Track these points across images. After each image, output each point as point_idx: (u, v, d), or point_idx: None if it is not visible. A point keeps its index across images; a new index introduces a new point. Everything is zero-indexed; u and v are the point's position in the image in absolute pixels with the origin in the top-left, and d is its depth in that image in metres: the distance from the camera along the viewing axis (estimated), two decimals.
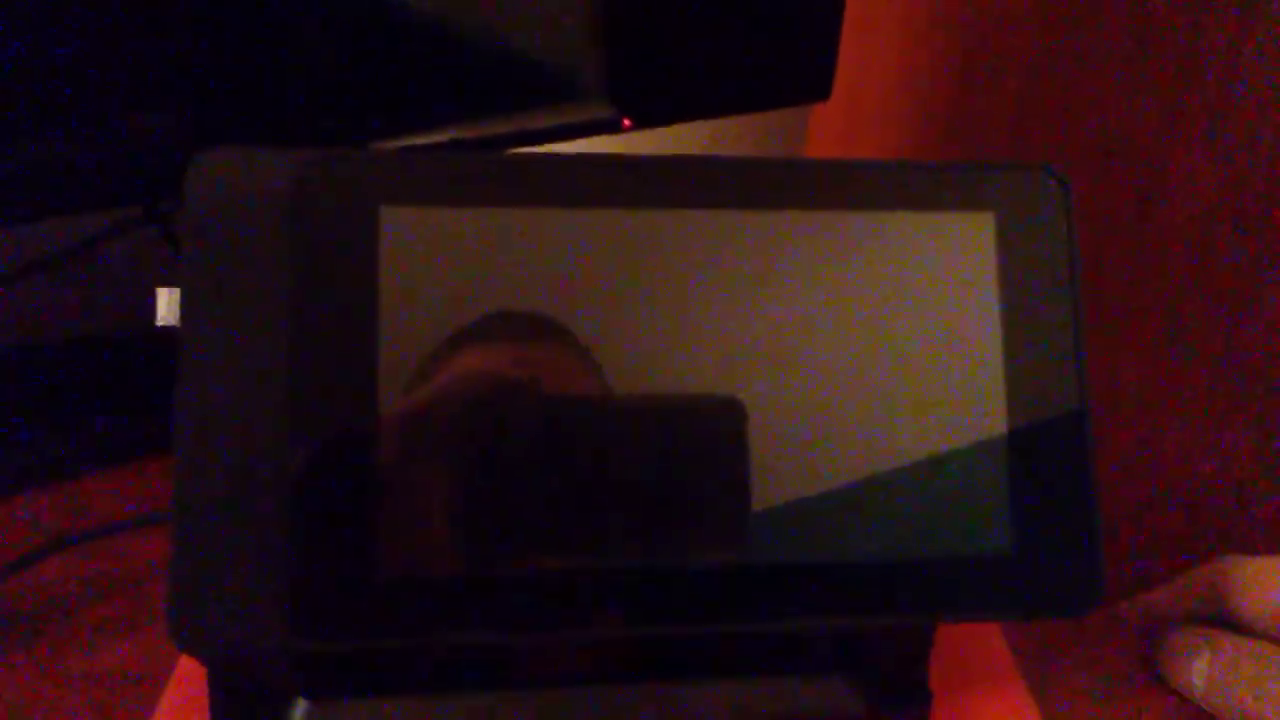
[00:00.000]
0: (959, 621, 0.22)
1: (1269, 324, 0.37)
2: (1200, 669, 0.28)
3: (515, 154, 0.20)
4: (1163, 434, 0.41)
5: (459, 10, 0.41)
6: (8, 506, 0.37)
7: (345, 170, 0.19)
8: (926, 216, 0.21)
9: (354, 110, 0.42)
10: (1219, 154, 0.38)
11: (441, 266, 0.19)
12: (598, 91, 0.45)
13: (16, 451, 0.39)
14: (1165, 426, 0.41)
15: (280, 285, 0.19)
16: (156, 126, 0.38)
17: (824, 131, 0.66)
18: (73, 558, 0.34)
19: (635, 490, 0.20)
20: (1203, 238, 0.39)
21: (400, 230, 0.19)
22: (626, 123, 0.45)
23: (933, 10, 0.55)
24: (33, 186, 0.37)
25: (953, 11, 0.53)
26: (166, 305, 0.20)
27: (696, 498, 0.20)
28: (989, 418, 0.21)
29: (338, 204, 0.19)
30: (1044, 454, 0.21)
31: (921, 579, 0.20)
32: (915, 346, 0.21)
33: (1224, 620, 0.29)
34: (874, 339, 0.21)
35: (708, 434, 0.20)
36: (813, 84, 0.49)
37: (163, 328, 0.20)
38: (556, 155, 0.20)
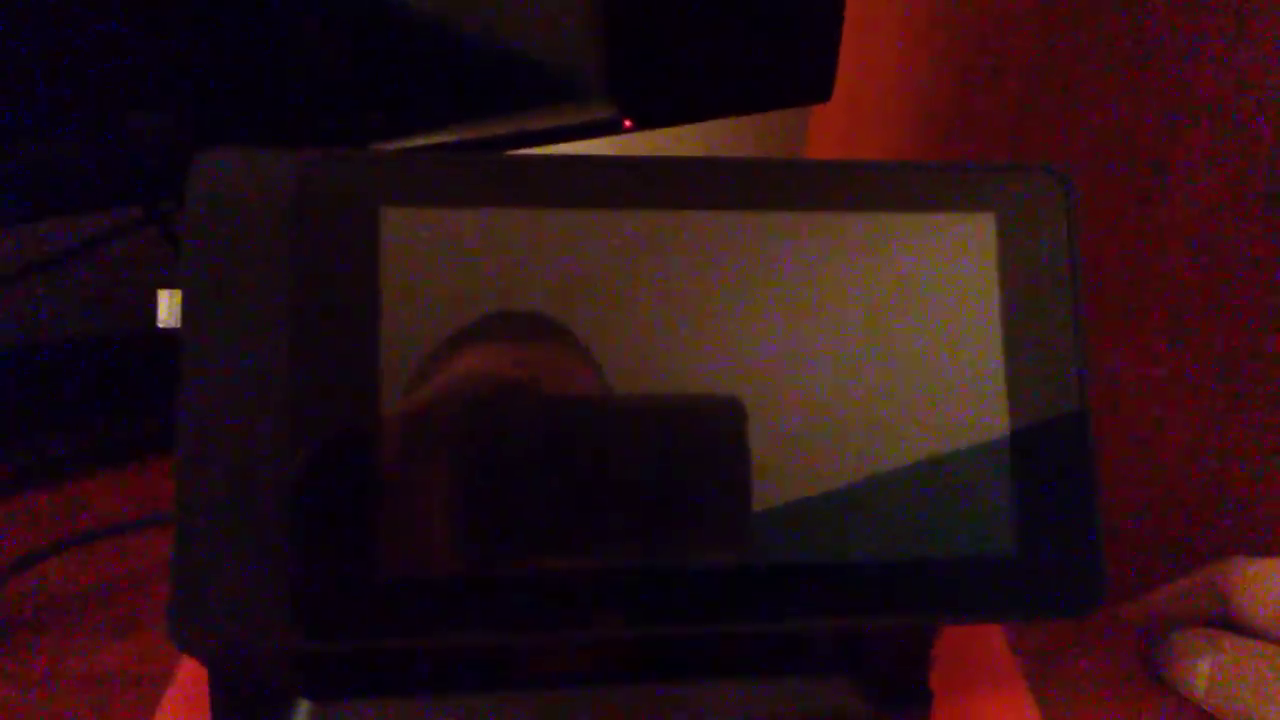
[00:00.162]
0: (960, 623, 0.22)
1: (1271, 324, 0.37)
2: (1203, 670, 0.28)
3: (516, 155, 0.20)
4: (1164, 434, 0.41)
5: (459, 10, 0.41)
6: (8, 507, 0.37)
7: (346, 171, 0.19)
8: (927, 217, 0.21)
9: (355, 110, 0.42)
10: (1220, 153, 0.38)
11: (442, 267, 0.19)
12: (599, 92, 0.45)
13: (17, 452, 0.39)
14: (1167, 426, 0.41)
15: (281, 286, 0.19)
16: (157, 127, 0.38)
17: (824, 132, 0.66)
18: (73, 558, 0.34)
19: (636, 490, 0.20)
20: (1203, 237, 0.39)
21: (401, 231, 0.19)
22: (627, 123, 0.45)
23: (933, 10, 0.55)
24: (33, 186, 0.37)
25: (953, 12, 0.53)
26: (168, 307, 0.20)
27: (697, 498, 0.20)
28: (990, 418, 0.21)
29: (339, 204, 0.19)
30: (1045, 454, 0.21)
31: (922, 580, 0.20)
32: (916, 347, 0.21)
33: (1227, 622, 0.29)
34: (875, 340, 0.21)
35: (708, 434, 0.20)
36: (813, 85, 0.49)
37: (164, 329, 0.20)
38: (557, 156, 0.20)
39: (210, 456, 0.19)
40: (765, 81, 0.49)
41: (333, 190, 0.19)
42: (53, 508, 0.37)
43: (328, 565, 0.18)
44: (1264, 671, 0.27)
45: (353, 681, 0.21)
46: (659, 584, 0.20)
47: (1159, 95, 0.40)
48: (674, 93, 0.48)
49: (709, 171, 0.21)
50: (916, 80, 0.57)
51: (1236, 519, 0.39)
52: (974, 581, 0.21)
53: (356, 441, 0.19)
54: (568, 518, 0.19)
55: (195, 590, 0.18)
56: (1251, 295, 0.38)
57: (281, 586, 0.18)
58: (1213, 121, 0.39)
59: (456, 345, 0.19)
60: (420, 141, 0.43)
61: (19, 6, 0.33)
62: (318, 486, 0.19)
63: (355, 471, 0.19)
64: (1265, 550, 0.30)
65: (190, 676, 0.24)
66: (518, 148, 0.45)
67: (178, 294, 0.19)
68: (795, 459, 0.20)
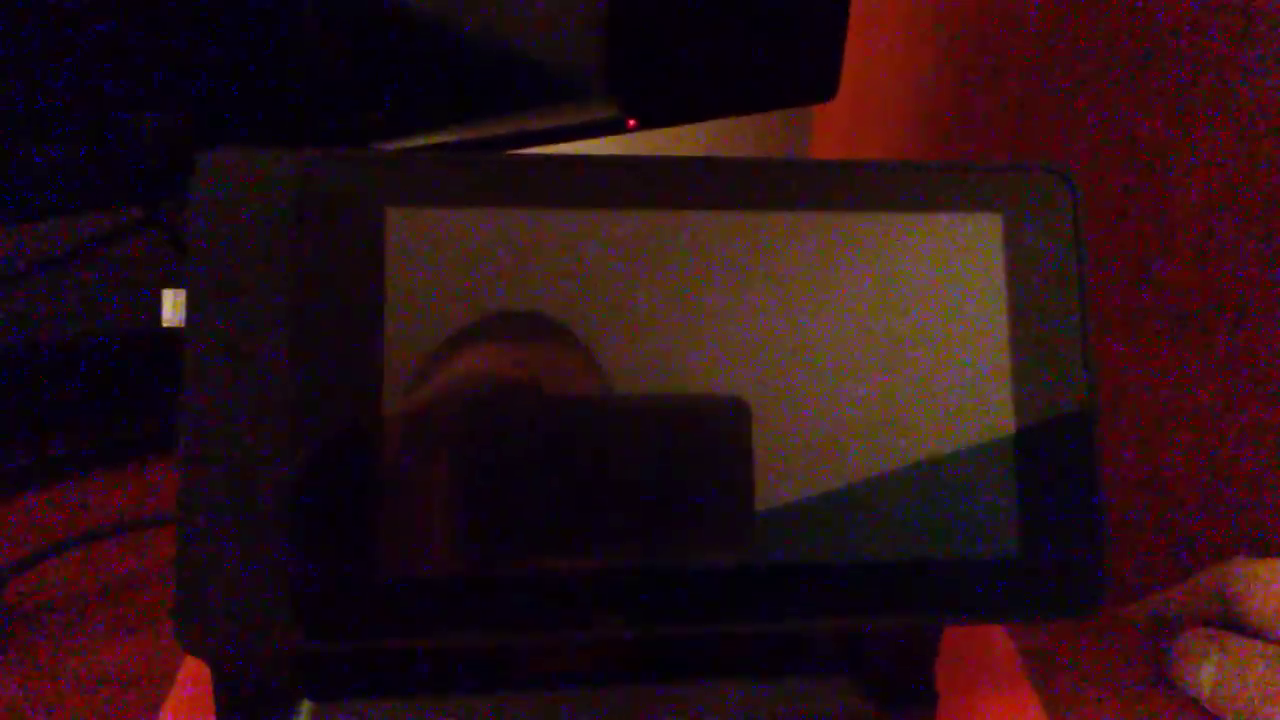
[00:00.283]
0: (965, 623, 0.22)
1: (1273, 323, 0.37)
2: (1209, 672, 0.28)
3: (519, 155, 0.20)
4: (1169, 434, 0.41)
5: (462, 10, 0.41)
6: (11, 507, 0.37)
7: (350, 171, 0.19)
8: (934, 217, 0.21)
9: (357, 110, 0.42)
10: (1223, 153, 0.38)
11: (446, 267, 0.19)
12: (602, 92, 0.45)
13: (19, 452, 0.39)
14: (1172, 427, 0.41)
15: (284, 285, 0.19)
16: (160, 127, 0.38)
17: (828, 131, 0.66)
18: (75, 558, 0.34)
19: (637, 490, 0.20)
20: (1205, 237, 0.39)
21: (405, 231, 0.19)
22: (631, 123, 0.45)
23: (936, 10, 0.55)
24: (36, 186, 0.37)
25: (956, 11, 0.53)
26: (172, 306, 0.20)
27: (699, 498, 0.20)
28: (996, 419, 0.21)
29: (342, 205, 0.19)
30: (1050, 455, 0.21)
31: (927, 580, 0.20)
32: (922, 347, 0.21)
33: (1232, 623, 0.29)
34: (880, 340, 0.21)
35: (711, 434, 0.20)
36: (818, 84, 0.49)
37: (168, 329, 0.20)
38: (560, 156, 0.20)
39: (212, 456, 0.19)
40: (769, 81, 0.49)
41: (336, 190, 0.19)
42: (54, 507, 0.37)
43: (329, 565, 0.18)
44: (1270, 673, 0.27)
45: (355, 682, 0.21)
46: (661, 584, 0.20)
47: (1161, 95, 0.40)
48: (677, 92, 0.48)
49: (713, 172, 0.21)
50: (920, 80, 0.56)
51: (1239, 519, 0.39)
52: (977, 582, 0.21)
53: (358, 441, 0.19)
54: (569, 518, 0.19)
55: (198, 591, 0.18)
56: (1253, 295, 0.38)
57: (284, 587, 0.18)
58: (1215, 121, 0.39)
59: (459, 345, 0.19)
60: (423, 141, 0.43)
61: (22, 7, 0.33)
62: (319, 486, 0.19)
63: (357, 471, 0.19)
64: (1269, 550, 0.30)
65: (193, 676, 0.23)
66: (521, 147, 0.45)
67: (182, 293, 0.19)
68: (798, 459, 0.20)
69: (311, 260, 0.19)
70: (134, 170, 0.39)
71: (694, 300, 0.20)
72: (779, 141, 0.69)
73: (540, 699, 0.21)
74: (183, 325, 0.19)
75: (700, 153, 0.21)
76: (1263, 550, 0.30)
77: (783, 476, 0.20)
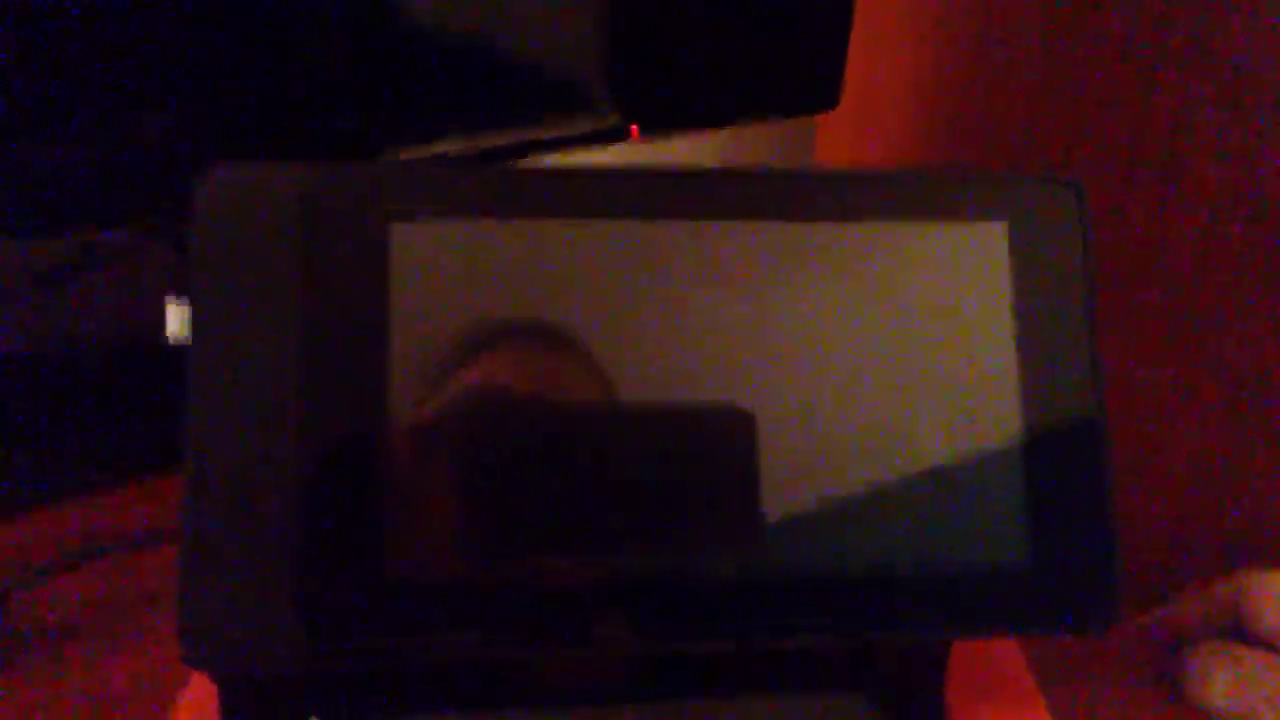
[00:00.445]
0: (975, 637, 0.22)
1: (1276, 324, 0.37)
2: (1220, 684, 0.28)
3: (523, 167, 0.20)
4: (1178, 444, 0.41)
5: (465, 21, 0.41)
6: (16, 523, 0.37)
7: (354, 183, 0.19)
8: (940, 226, 0.21)
9: (362, 122, 0.42)
10: (1230, 156, 0.38)
11: (450, 278, 0.19)
12: (605, 101, 0.45)
13: (24, 467, 0.39)
14: (1176, 434, 0.41)
15: (289, 298, 0.19)
16: (165, 139, 0.38)
17: (832, 140, 0.66)
18: (81, 574, 0.34)
19: (644, 500, 0.19)
20: (1211, 243, 0.39)
21: (410, 242, 0.19)
22: (634, 132, 0.45)
23: (939, 17, 0.55)
24: (40, 199, 0.37)
25: (960, 19, 0.53)
26: (176, 319, 0.20)
27: (706, 509, 0.20)
28: (1004, 429, 0.21)
29: (347, 217, 0.19)
30: (1060, 466, 0.21)
31: (937, 593, 0.20)
32: (929, 357, 0.21)
33: (1244, 634, 0.29)
34: (887, 349, 0.20)
35: (718, 444, 0.20)
36: (821, 93, 0.49)
37: (172, 343, 0.20)
38: (564, 168, 0.20)
39: (217, 470, 0.19)
40: (772, 90, 0.49)
41: (341, 203, 0.19)
42: (58, 523, 0.37)
43: (335, 576, 0.18)
44: None
45: (362, 699, 0.21)
46: (668, 596, 0.19)
47: (1167, 101, 0.40)
48: (680, 101, 0.48)
49: (718, 182, 0.21)
50: (922, 87, 0.56)
51: (1247, 528, 0.39)
52: (988, 594, 0.20)
53: (364, 454, 0.19)
54: (576, 529, 0.19)
55: (203, 606, 0.18)
56: (1260, 302, 0.38)
57: (291, 599, 0.18)
58: (1218, 122, 0.38)
59: (465, 356, 0.19)
60: (427, 151, 0.43)
61: (26, 20, 0.34)
62: (325, 498, 0.19)
63: (363, 483, 0.19)
64: (1276, 559, 0.30)
65: (199, 693, 0.23)
66: (524, 157, 0.45)
67: (186, 306, 0.19)
68: (804, 469, 0.20)
69: (316, 273, 0.19)
70: (141, 183, 0.39)
71: (698, 310, 0.20)
72: (782, 151, 0.69)
73: (546, 716, 0.21)
74: (186, 338, 0.19)
75: (703, 162, 0.21)
76: (1273, 560, 0.30)
77: (789, 487, 0.20)
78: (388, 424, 0.19)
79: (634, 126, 0.45)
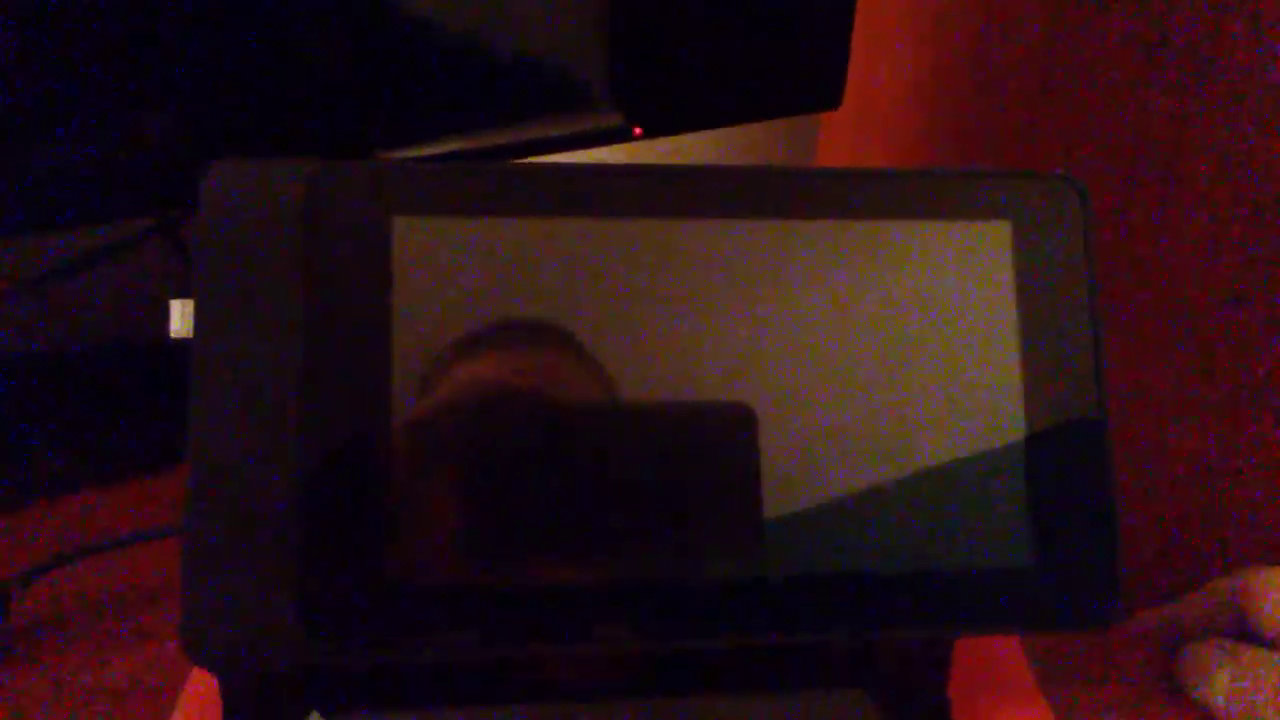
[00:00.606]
0: (977, 635, 0.22)
1: (1277, 325, 0.37)
2: (1221, 683, 0.28)
3: (525, 164, 0.20)
4: (1180, 442, 0.41)
5: (468, 19, 0.41)
6: (19, 519, 0.37)
7: (357, 181, 0.19)
8: (942, 225, 0.21)
9: (364, 120, 0.42)
10: (1231, 157, 0.38)
11: (453, 276, 0.19)
12: (608, 100, 0.45)
13: (27, 463, 0.40)
14: (1183, 435, 0.41)
15: (292, 295, 0.19)
16: (167, 137, 0.38)
17: (834, 139, 0.66)
18: (83, 570, 0.34)
19: (646, 500, 0.19)
20: (1213, 244, 0.39)
21: (412, 240, 0.19)
22: (637, 131, 0.45)
23: (940, 16, 0.55)
24: (42, 196, 0.37)
25: (961, 18, 0.53)
26: (180, 317, 0.20)
27: (708, 508, 0.20)
28: (1007, 428, 0.21)
29: (349, 214, 0.19)
30: (1063, 464, 0.21)
31: (939, 591, 0.20)
32: (931, 356, 0.21)
33: (1245, 633, 0.29)
34: (890, 348, 0.20)
35: (720, 443, 0.20)
36: (823, 92, 0.49)
37: (175, 339, 0.20)
38: (566, 165, 0.20)
39: (220, 467, 0.19)
40: (774, 89, 0.49)
41: (343, 200, 0.19)
42: (61, 519, 0.37)
43: (337, 573, 0.18)
44: None
45: (363, 694, 0.21)
46: (669, 595, 0.19)
47: (1166, 95, 0.40)
48: (683, 101, 0.48)
49: (719, 180, 0.21)
50: (924, 85, 0.57)
51: (1249, 527, 0.39)
52: (990, 593, 0.20)
53: (366, 450, 0.19)
54: (577, 528, 0.19)
55: (205, 602, 0.18)
56: (1262, 302, 0.38)
57: (293, 597, 0.18)
58: (1220, 121, 0.38)
59: (465, 353, 0.19)
60: (429, 150, 0.43)
61: (28, 17, 0.34)
62: (327, 495, 0.19)
63: (365, 480, 0.19)
64: (1278, 558, 0.30)
65: (200, 689, 0.23)
66: (526, 156, 0.45)
67: (190, 303, 0.19)
68: (808, 468, 0.20)
69: (318, 270, 0.19)
70: (143, 180, 0.39)
71: (700, 309, 0.20)
72: (785, 150, 0.69)
73: (547, 712, 0.21)
74: (190, 336, 0.19)
75: (706, 161, 0.21)
76: (1264, 553, 0.30)
77: (791, 486, 0.20)
78: (389, 421, 0.19)
79: (637, 127, 0.45)
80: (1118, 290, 0.42)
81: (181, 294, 0.20)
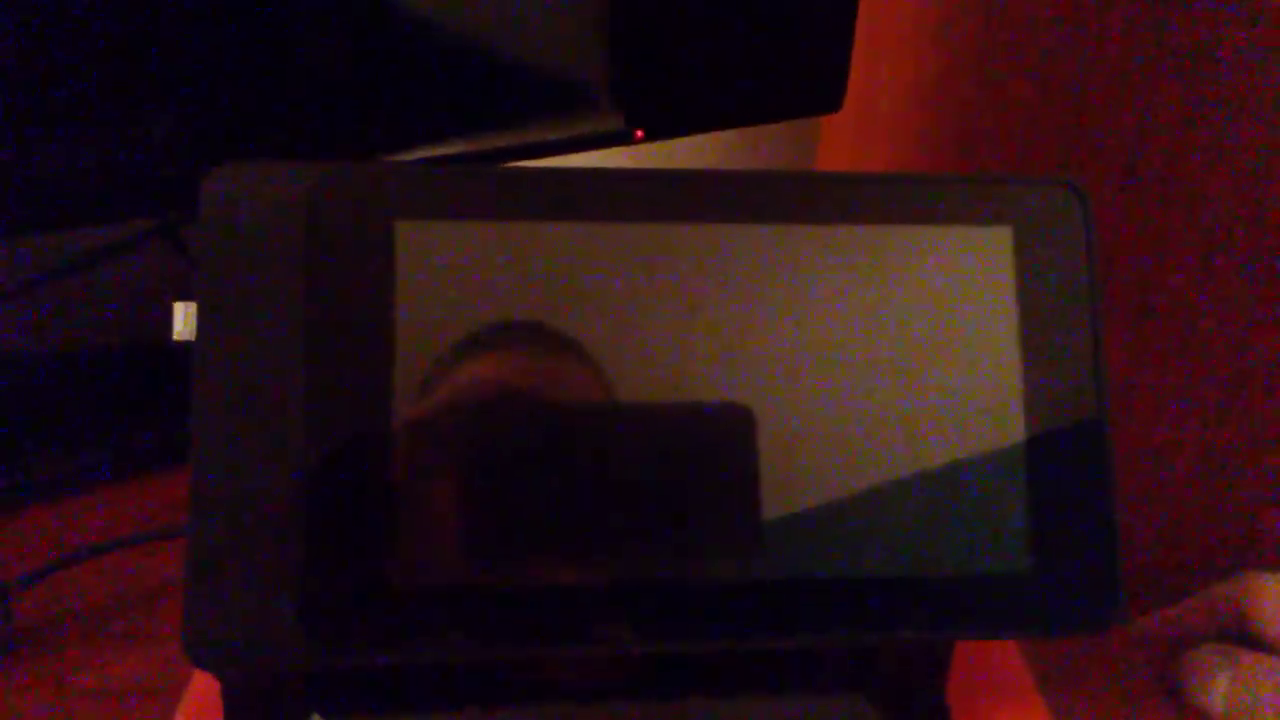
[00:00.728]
0: (976, 639, 0.22)
1: (1276, 325, 0.37)
2: (1220, 688, 0.28)
3: (527, 168, 0.20)
4: (1179, 445, 0.41)
5: (469, 22, 0.41)
6: (19, 520, 0.37)
7: (360, 184, 0.19)
8: (943, 230, 0.21)
9: (366, 123, 0.42)
10: (1232, 161, 0.38)
11: (455, 279, 0.19)
12: (609, 103, 0.45)
13: (29, 465, 0.40)
14: (1178, 439, 0.41)
15: (295, 298, 0.19)
16: (170, 139, 0.38)
17: (835, 143, 0.66)
18: (84, 571, 0.34)
19: (647, 502, 0.19)
20: (1213, 247, 0.39)
21: (415, 243, 0.19)
22: (638, 134, 0.45)
23: (942, 21, 0.55)
24: (45, 198, 0.37)
25: (962, 22, 0.53)
26: (183, 320, 0.20)
27: (709, 510, 0.20)
28: (1007, 432, 0.21)
29: (352, 217, 0.19)
30: (1063, 468, 0.21)
31: (937, 595, 0.20)
32: (932, 360, 0.21)
33: (1245, 638, 0.29)
34: (890, 352, 0.20)
35: (721, 446, 0.20)
36: (824, 95, 0.49)
37: (179, 342, 0.20)
38: (568, 169, 0.20)
39: (223, 469, 0.19)
40: (776, 92, 0.49)
41: (346, 203, 0.19)
42: (63, 520, 0.37)
43: (339, 575, 0.18)
44: None
45: (364, 696, 0.21)
46: (668, 597, 0.19)
47: (1168, 103, 0.40)
48: (684, 104, 0.48)
49: (720, 185, 0.21)
50: (926, 90, 0.57)
51: (1249, 528, 0.39)
52: (989, 597, 0.20)
53: (369, 452, 0.19)
54: (577, 529, 0.19)
55: (207, 604, 0.18)
56: (1262, 306, 0.38)
57: (295, 600, 0.18)
58: (1220, 124, 0.39)
59: (466, 355, 0.19)
60: (431, 153, 0.43)
61: (31, 20, 0.34)
62: (329, 498, 0.19)
63: (367, 482, 0.19)
64: (1277, 562, 0.30)
65: (202, 691, 0.23)
66: (528, 159, 0.45)
67: (193, 306, 0.19)
68: (808, 471, 0.20)
69: (321, 272, 0.19)
70: (147, 182, 0.39)
71: (702, 313, 0.20)
72: (786, 153, 0.69)
73: (547, 713, 0.21)
74: (193, 338, 0.19)
75: (707, 164, 0.21)
76: (1264, 553, 0.30)
77: (790, 489, 0.20)
78: (391, 423, 0.19)
79: (638, 130, 0.45)
80: (1118, 290, 0.42)
81: (183, 296, 0.20)
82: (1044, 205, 0.21)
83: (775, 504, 0.20)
